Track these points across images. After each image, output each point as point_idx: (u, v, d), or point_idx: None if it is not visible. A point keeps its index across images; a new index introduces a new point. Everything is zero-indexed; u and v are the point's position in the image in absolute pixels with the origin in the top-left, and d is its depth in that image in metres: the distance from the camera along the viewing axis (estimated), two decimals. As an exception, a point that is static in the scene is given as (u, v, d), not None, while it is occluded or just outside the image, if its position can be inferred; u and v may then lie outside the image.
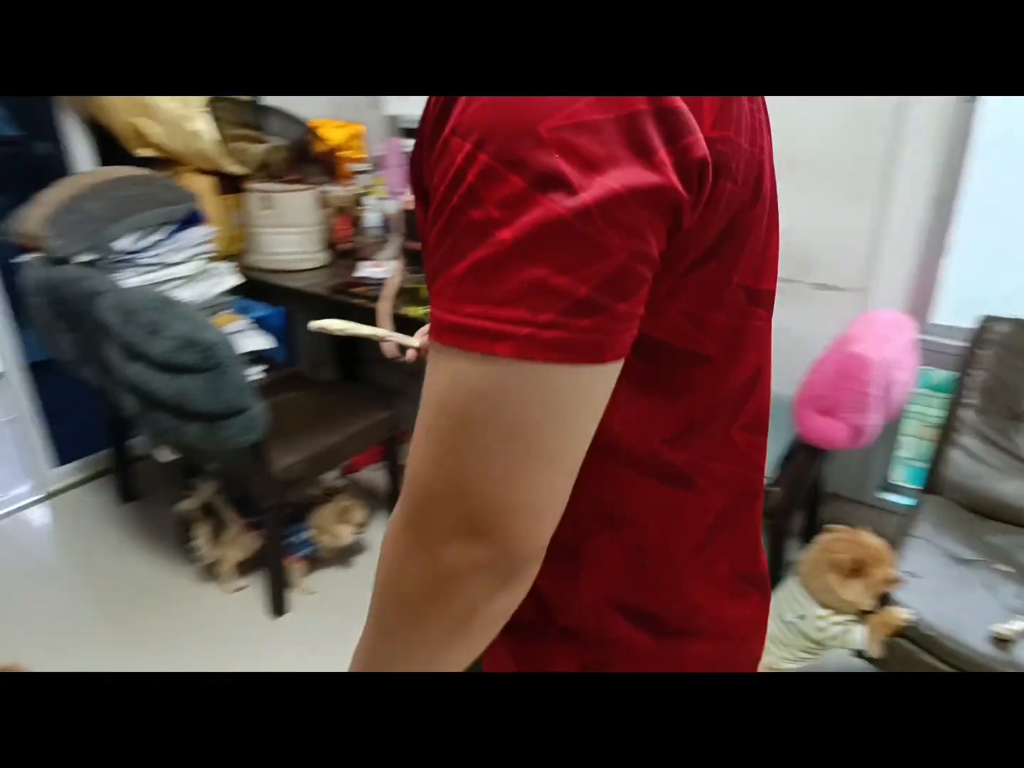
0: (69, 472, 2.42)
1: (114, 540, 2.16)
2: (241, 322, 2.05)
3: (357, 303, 1.90)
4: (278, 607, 1.86)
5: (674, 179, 0.37)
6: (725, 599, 0.57)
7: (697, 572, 0.54)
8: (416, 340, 0.84)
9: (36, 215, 1.78)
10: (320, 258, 2.21)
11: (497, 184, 0.36)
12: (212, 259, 2.00)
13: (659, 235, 0.39)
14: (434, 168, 0.40)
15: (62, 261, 1.73)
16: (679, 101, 0.37)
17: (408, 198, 1.86)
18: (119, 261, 1.78)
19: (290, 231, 2.09)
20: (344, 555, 2.07)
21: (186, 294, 1.86)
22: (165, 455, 1.86)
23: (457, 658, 0.46)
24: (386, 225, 2.08)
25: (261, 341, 2.09)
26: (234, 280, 2.00)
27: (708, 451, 0.51)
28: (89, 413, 2.33)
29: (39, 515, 2.30)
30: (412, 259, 1.78)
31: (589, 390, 0.40)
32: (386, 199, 2.12)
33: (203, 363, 1.50)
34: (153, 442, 1.98)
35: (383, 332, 0.84)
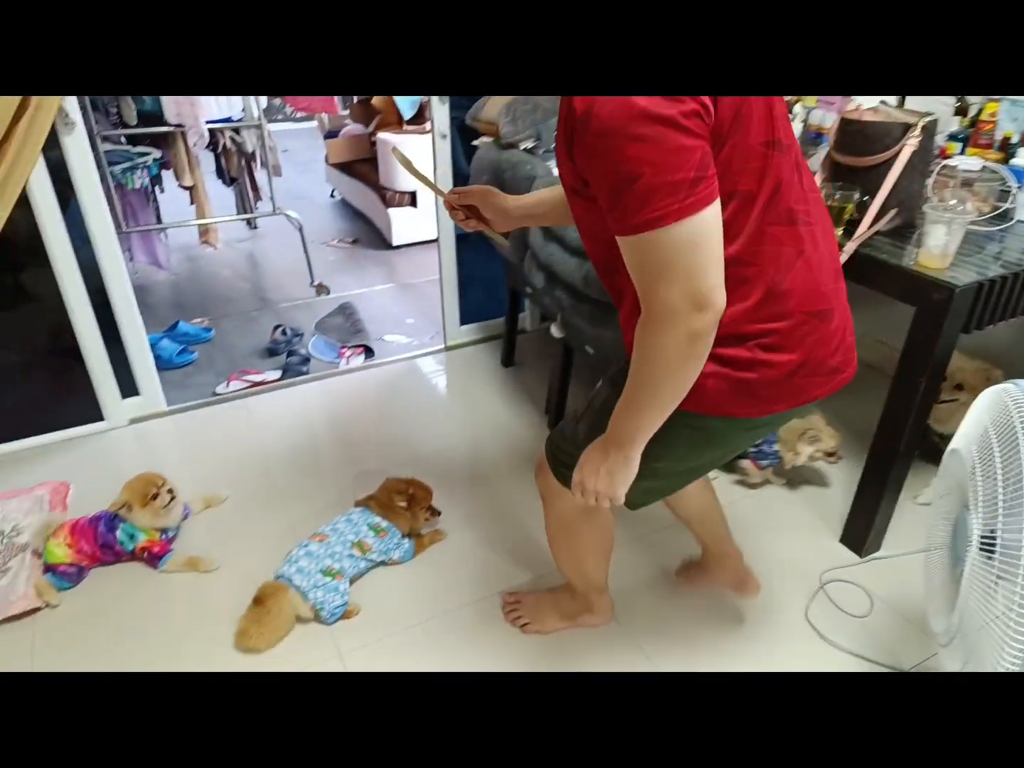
0: (467, 332, 2.83)
1: (491, 393, 2.50)
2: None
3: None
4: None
5: (697, 104, 0.78)
6: (801, 327, 0.98)
7: (777, 312, 0.96)
8: (446, 191, 1.31)
9: (496, 104, 2.01)
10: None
11: (630, 146, 0.78)
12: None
13: (706, 133, 0.81)
14: (583, 154, 0.84)
15: (510, 146, 1.95)
16: None
17: (850, 107, 1.69)
18: (549, 150, 1.95)
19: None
20: (796, 477, 2.04)
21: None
22: (556, 331, 2.05)
23: (692, 380, 0.92)
24: (813, 136, 1.93)
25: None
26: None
27: (755, 245, 0.92)
28: (493, 285, 2.67)
29: (438, 361, 2.76)
30: (838, 173, 1.64)
31: (716, 218, 0.83)
32: (817, 108, 1.96)
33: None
34: (547, 317, 2.20)
35: (428, 180, 1.32)
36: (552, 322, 2.10)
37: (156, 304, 3.38)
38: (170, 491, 1.74)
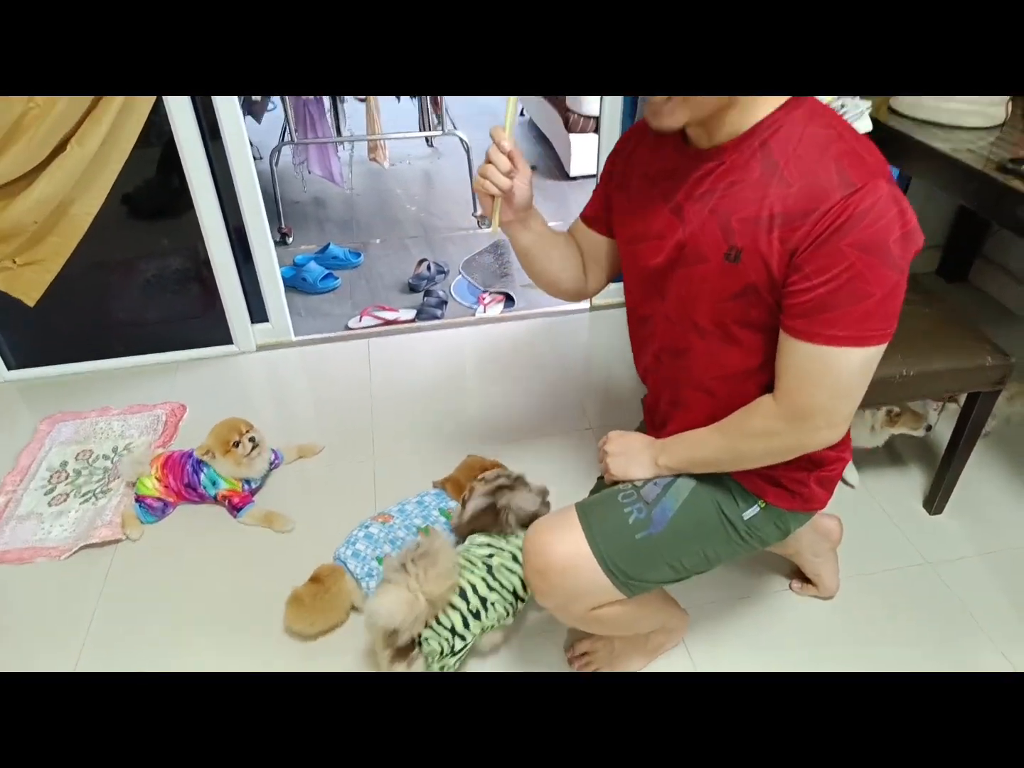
0: (617, 290, 2.45)
1: (630, 366, 2.15)
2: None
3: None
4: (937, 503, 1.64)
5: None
6: None
7: None
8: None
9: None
10: (996, 114, 1.56)
11: (882, 268, 0.80)
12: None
13: None
14: (819, 252, 0.81)
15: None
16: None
17: None
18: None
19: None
20: None
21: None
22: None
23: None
24: None
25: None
26: (864, 126, 1.54)
27: None
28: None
29: (580, 322, 2.44)
30: None
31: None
32: None
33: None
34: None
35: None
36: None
37: (325, 219, 3.37)
38: (252, 439, 1.65)
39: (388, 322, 2.43)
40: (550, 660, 1.37)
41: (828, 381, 0.86)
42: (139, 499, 1.65)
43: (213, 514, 1.69)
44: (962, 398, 1.51)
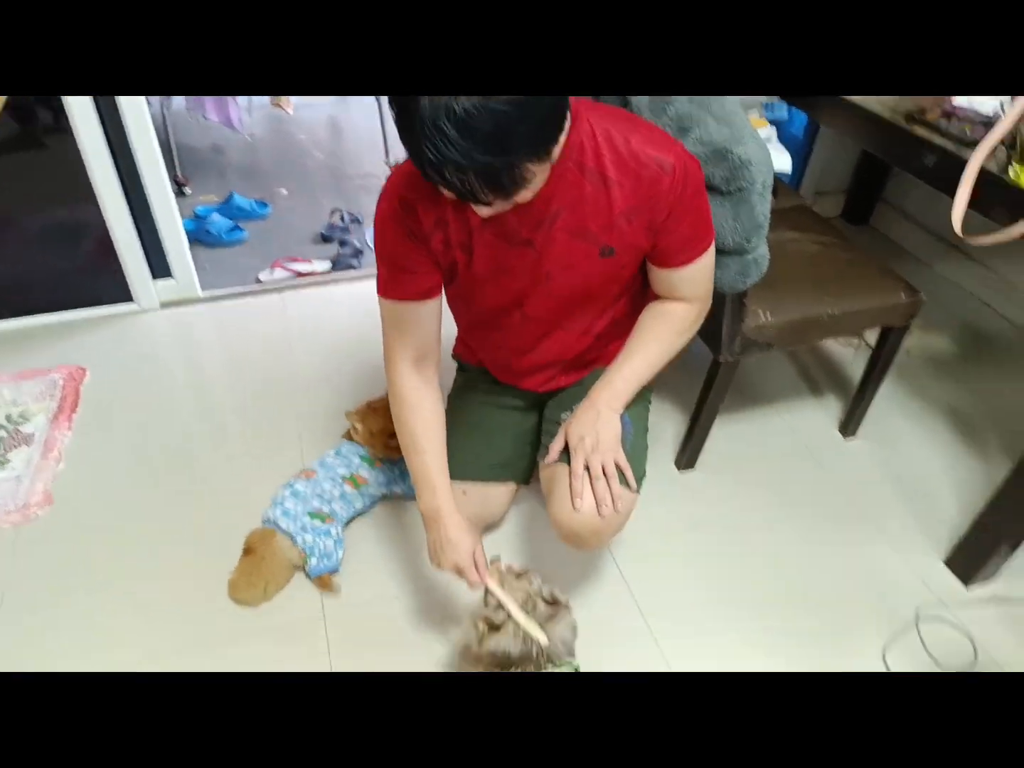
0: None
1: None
2: (768, 130, 1.65)
3: (930, 141, 1.33)
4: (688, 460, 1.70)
5: None
6: None
7: None
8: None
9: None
10: (900, 64, 1.62)
11: (701, 195, 1.07)
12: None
13: None
14: (679, 213, 1.04)
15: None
16: None
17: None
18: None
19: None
20: (902, 466, 1.77)
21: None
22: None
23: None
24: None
25: (780, 161, 1.68)
26: (780, 73, 1.57)
27: None
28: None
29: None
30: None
31: None
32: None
33: (724, 185, 1.18)
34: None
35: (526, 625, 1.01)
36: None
37: (225, 167, 3.16)
38: None
39: (302, 274, 2.33)
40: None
41: (708, 275, 1.17)
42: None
43: (140, 491, 1.60)
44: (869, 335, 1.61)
